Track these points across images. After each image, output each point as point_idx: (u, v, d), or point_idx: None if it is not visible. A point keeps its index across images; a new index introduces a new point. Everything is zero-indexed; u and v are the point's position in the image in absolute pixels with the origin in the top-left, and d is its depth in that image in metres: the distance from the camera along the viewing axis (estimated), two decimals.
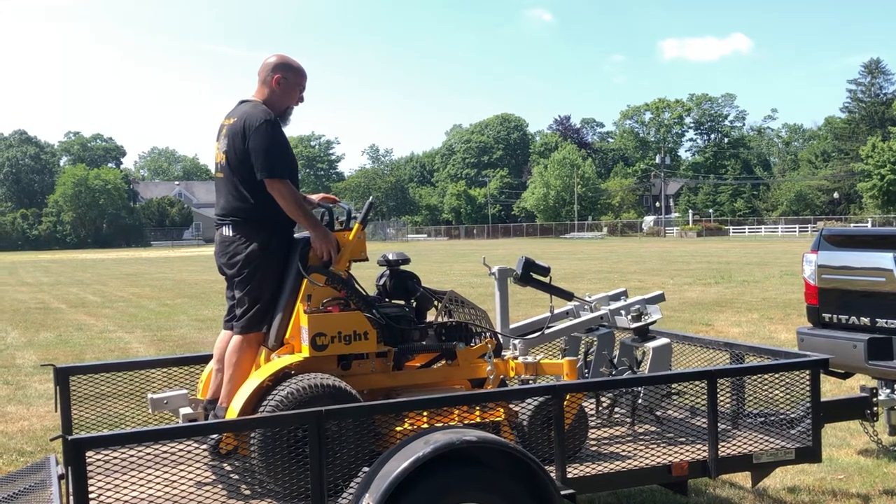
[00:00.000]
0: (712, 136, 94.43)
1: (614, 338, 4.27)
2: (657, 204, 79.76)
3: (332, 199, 3.76)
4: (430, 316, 3.80)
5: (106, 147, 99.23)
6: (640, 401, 3.83)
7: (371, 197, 4.14)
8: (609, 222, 76.16)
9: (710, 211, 78.27)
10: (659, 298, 4.28)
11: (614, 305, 4.22)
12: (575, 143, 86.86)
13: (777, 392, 3.73)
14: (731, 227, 69.94)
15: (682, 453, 3.44)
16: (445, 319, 3.76)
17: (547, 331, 4.15)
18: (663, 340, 3.97)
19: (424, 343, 3.63)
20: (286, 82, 3.56)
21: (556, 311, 4.30)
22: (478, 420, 3.33)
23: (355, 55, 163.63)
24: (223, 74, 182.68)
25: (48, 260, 45.50)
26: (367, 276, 3.75)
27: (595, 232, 73.12)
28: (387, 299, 3.70)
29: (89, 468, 2.47)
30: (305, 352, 3.32)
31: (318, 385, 3.17)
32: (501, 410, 3.38)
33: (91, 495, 2.49)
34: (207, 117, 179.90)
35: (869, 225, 53.25)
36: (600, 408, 4.04)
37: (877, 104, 76.82)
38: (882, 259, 4.72)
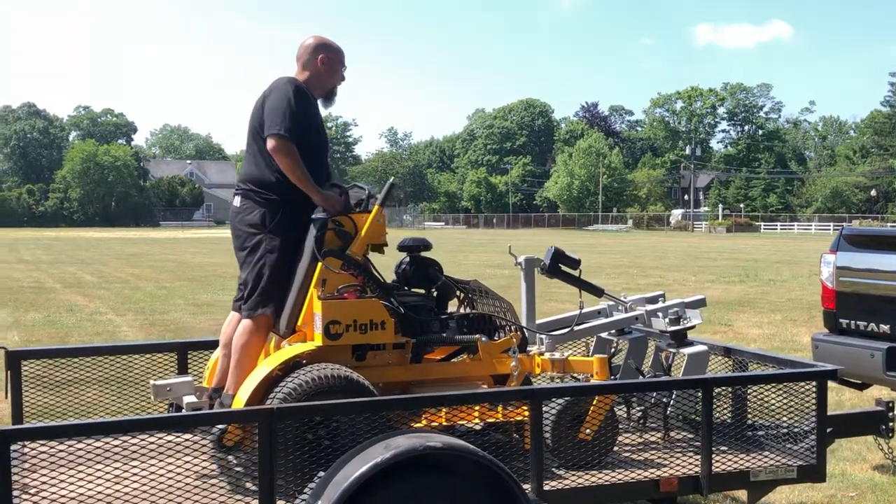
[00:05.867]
0: (746, 127, 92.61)
1: (647, 344, 3.98)
2: (686, 197, 78.68)
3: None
4: (452, 306, 3.60)
5: (116, 123, 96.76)
6: (669, 410, 3.58)
7: (392, 178, 3.96)
8: (635, 215, 75.24)
9: (742, 206, 76.95)
10: (700, 303, 4.00)
11: (651, 307, 3.92)
12: (602, 131, 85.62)
13: (781, 403, 3.46)
14: (762, 224, 68.78)
15: (671, 467, 3.20)
16: (468, 310, 3.55)
17: (577, 328, 3.84)
18: (700, 347, 3.68)
19: (445, 335, 3.43)
20: (331, 61, 3.55)
21: (587, 310, 3.99)
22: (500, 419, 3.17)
23: (375, 34, 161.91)
24: (239, 50, 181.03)
25: (51, 237, 44.83)
26: (386, 265, 3.51)
27: (620, 224, 72.30)
28: (406, 287, 3.50)
29: (13, 462, 2.31)
30: (318, 340, 3.14)
31: (331, 376, 2.99)
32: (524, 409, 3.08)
33: (14, 491, 2.32)
34: (222, 95, 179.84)
35: None
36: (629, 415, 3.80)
37: None
38: None
